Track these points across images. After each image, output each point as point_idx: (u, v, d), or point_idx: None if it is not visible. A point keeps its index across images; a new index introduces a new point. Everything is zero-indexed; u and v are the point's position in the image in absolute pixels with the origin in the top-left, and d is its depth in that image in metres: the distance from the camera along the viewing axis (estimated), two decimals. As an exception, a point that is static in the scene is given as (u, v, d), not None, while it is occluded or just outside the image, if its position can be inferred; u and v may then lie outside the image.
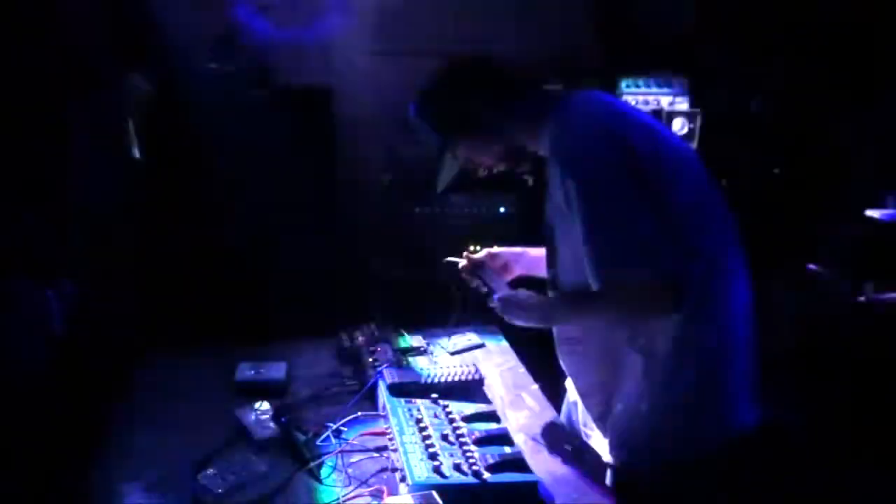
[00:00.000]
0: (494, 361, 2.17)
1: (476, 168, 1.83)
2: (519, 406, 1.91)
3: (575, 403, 1.89)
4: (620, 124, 1.58)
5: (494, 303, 1.81)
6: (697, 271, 1.54)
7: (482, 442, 1.60)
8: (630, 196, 1.50)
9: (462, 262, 2.00)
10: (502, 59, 1.79)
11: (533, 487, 1.49)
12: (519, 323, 1.75)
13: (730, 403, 1.64)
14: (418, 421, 1.66)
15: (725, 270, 1.63)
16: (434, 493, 1.39)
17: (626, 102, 1.77)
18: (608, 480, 1.70)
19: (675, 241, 1.51)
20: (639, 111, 1.74)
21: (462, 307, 2.08)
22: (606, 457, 1.72)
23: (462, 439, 1.60)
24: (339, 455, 1.65)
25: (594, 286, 1.54)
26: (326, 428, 1.74)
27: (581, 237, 1.54)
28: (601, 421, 1.75)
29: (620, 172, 1.51)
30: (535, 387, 2.02)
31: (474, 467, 1.49)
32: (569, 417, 1.94)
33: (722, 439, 1.63)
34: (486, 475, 1.48)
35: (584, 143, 1.56)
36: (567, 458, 1.68)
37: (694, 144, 3.35)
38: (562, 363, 1.82)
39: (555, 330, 1.80)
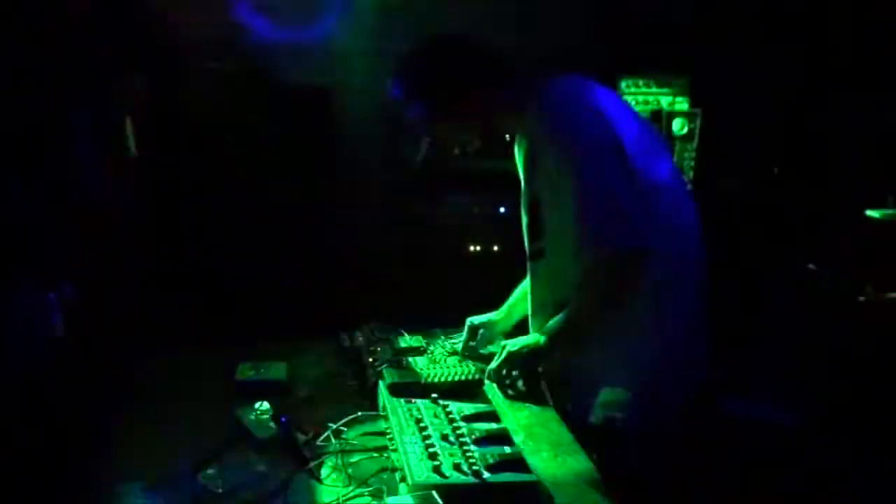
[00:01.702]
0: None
1: (452, 145, 1.90)
2: (519, 406, 1.91)
3: None
4: (604, 105, 1.72)
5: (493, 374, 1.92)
6: (671, 247, 1.72)
7: (482, 442, 1.60)
8: (617, 171, 1.64)
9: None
10: (485, 42, 1.84)
11: (533, 487, 1.49)
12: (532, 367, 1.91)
13: (690, 368, 1.84)
14: (418, 421, 1.66)
15: (692, 248, 1.80)
16: (434, 493, 1.39)
17: (603, 88, 1.84)
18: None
19: (651, 216, 1.67)
20: (615, 95, 1.88)
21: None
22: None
23: (462, 439, 1.60)
24: (339, 455, 1.65)
25: (585, 253, 1.70)
26: (326, 428, 1.74)
27: (573, 208, 1.67)
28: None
29: (609, 149, 1.65)
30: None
31: (474, 467, 1.49)
32: None
33: (684, 397, 1.81)
34: (486, 475, 1.48)
35: (576, 121, 1.68)
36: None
37: (694, 144, 3.36)
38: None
39: (531, 306, 1.95)
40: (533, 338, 1.89)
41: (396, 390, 1.82)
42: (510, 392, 1.90)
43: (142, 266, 2.86)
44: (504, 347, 1.91)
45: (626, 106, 1.85)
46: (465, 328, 2.14)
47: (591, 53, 3.50)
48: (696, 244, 1.83)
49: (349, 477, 1.58)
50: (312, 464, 1.61)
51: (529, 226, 1.89)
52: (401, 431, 1.62)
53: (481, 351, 2.13)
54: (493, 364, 1.92)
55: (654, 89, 3.43)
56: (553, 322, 1.83)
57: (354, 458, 1.65)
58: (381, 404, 1.83)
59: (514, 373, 1.90)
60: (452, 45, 1.84)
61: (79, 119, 2.51)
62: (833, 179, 3.39)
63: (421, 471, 1.47)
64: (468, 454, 1.54)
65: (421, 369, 1.94)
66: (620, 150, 1.66)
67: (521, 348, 1.88)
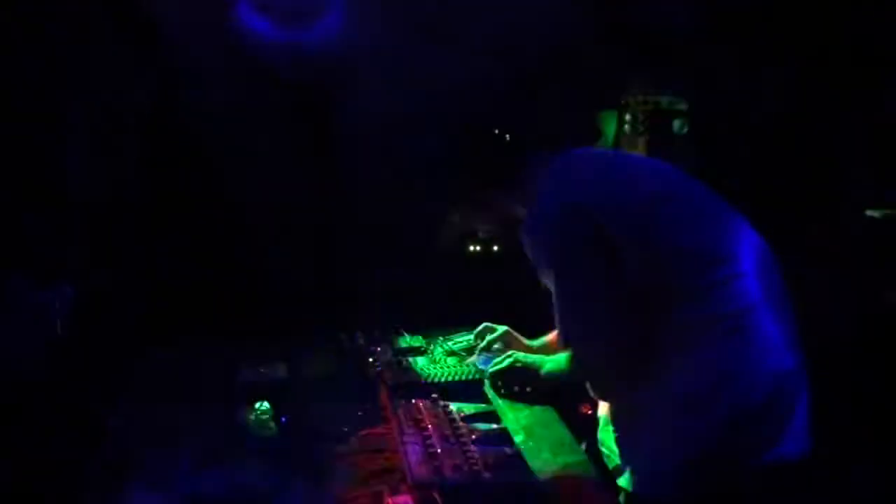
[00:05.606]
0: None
1: (475, 230, 1.93)
2: (519, 406, 1.91)
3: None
4: (590, 193, 1.64)
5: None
6: (729, 305, 1.56)
7: (482, 442, 1.60)
8: (591, 272, 1.58)
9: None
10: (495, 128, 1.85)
11: (533, 487, 1.49)
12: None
13: (767, 437, 1.56)
14: (418, 421, 1.66)
15: (758, 301, 1.59)
16: (434, 493, 1.40)
17: (611, 157, 1.87)
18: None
19: (698, 274, 1.56)
20: (622, 163, 1.82)
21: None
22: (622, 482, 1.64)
23: (462, 439, 1.60)
24: (339, 455, 1.65)
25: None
26: (326, 428, 1.74)
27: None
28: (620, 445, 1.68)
29: (583, 246, 1.58)
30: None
31: (474, 467, 1.49)
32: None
33: (755, 472, 1.55)
34: (486, 475, 1.48)
35: (551, 222, 1.63)
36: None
37: (694, 145, 3.35)
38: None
39: None
40: (539, 362, 1.90)
41: (396, 390, 1.82)
42: (502, 393, 1.91)
43: (141, 266, 2.86)
44: (511, 356, 1.93)
45: (636, 175, 1.73)
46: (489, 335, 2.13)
47: (591, 53, 3.51)
48: (761, 297, 1.59)
49: (349, 477, 1.58)
50: (313, 463, 1.61)
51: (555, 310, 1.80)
52: (401, 431, 1.62)
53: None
54: (494, 368, 1.93)
55: (653, 89, 3.43)
56: (557, 361, 1.84)
57: (354, 459, 1.65)
58: (380, 404, 1.83)
59: (511, 383, 1.92)
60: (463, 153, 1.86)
61: (79, 119, 2.52)
62: (833, 179, 3.40)
63: (421, 471, 1.47)
64: (468, 454, 1.54)
65: (421, 369, 1.94)
66: (598, 242, 1.56)
67: (524, 366, 1.90)
